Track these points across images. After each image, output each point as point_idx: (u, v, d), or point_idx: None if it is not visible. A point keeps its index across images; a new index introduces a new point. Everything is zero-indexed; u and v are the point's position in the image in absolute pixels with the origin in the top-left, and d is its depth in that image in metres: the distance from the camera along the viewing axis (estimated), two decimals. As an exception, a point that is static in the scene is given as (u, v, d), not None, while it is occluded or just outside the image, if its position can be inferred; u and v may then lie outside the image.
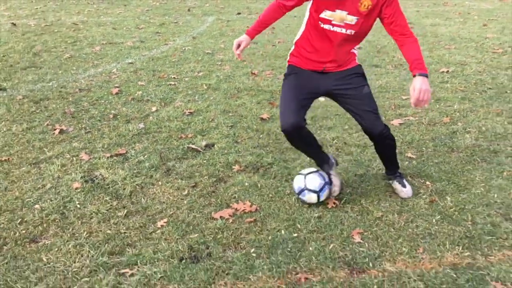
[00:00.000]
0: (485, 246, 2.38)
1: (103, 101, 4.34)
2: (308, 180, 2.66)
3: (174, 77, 5.08)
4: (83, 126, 3.78)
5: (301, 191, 2.67)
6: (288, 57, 2.73)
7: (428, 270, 2.20)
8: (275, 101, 4.40)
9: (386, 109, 4.24)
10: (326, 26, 2.46)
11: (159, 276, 2.14)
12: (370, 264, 2.24)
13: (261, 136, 3.66)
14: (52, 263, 2.21)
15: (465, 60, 5.89)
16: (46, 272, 2.15)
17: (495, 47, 6.54)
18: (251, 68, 5.44)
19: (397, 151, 2.87)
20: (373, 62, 5.82)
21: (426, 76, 2.35)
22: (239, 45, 2.63)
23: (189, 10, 9.63)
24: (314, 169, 2.76)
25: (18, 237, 2.40)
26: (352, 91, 2.59)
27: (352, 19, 2.42)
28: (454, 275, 2.17)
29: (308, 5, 2.55)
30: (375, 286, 2.10)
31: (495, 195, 2.84)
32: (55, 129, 3.69)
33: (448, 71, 5.39)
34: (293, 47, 2.71)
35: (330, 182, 2.70)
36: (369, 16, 2.43)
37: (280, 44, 6.67)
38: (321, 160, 2.80)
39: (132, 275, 2.14)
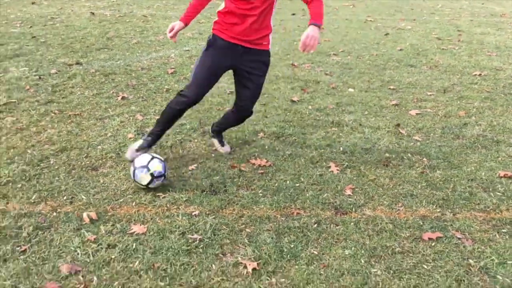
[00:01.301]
0: (457, 207, 2.79)
1: (159, 78, 5.08)
2: (152, 164, 2.78)
3: (222, 64, 5.74)
4: (141, 95, 4.52)
5: (135, 169, 2.78)
6: (212, 25, 2.93)
7: (401, 218, 2.66)
8: (308, 88, 4.93)
9: (407, 101, 4.63)
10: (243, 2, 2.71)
11: (184, 200, 2.76)
12: (353, 209, 2.74)
13: (288, 114, 4.20)
14: (106, 184, 2.90)
15: (502, 66, 6.09)
16: (101, 189, 2.84)
17: (538, 56, 6.64)
18: (293, 60, 5.99)
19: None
20: (410, 62, 6.17)
21: (319, 26, 2.60)
22: (172, 29, 2.87)
23: (247, 9, 10.33)
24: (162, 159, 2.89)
25: (83, 165, 3.12)
26: (253, 76, 2.94)
27: None
28: (421, 223, 2.62)
29: None
30: (352, 223, 2.59)
31: (483, 173, 3.21)
32: (118, 96, 4.45)
33: (480, 74, 5.65)
34: (217, 18, 2.90)
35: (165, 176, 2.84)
36: None
37: (325, 43, 7.16)
38: (156, 135, 3.17)
39: (164, 197, 2.78)
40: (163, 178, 2.82)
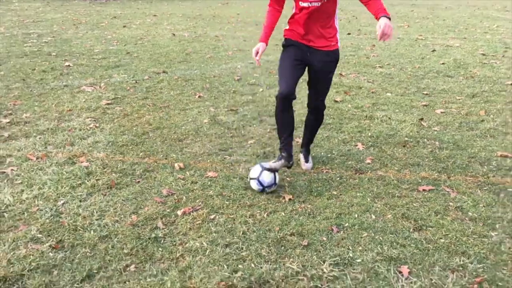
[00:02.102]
0: (452, 173, 3.59)
1: (228, 83, 6.25)
2: (263, 175, 3.20)
3: (280, 73, 6.81)
4: (213, 95, 5.68)
5: (252, 179, 3.23)
6: (283, 33, 3.27)
7: (405, 178, 3.52)
8: (350, 92, 5.85)
9: (436, 103, 5.41)
10: (305, 4, 3.03)
11: (244, 160, 3.80)
12: (369, 171, 3.63)
13: (329, 109, 5.14)
14: (189, 149, 4.01)
15: (537, 77, 6.63)
16: (186, 152, 3.95)
17: None
18: (341, 71, 6.94)
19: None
20: (448, 73, 6.88)
21: (389, 18, 2.79)
22: (257, 52, 3.09)
23: (307, 30, 11.41)
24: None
25: (172, 138, 4.27)
26: (322, 73, 3.27)
27: None
28: (420, 181, 3.46)
29: None
30: (366, 179, 3.49)
31: (483, 154, 3.97)
32: (196, 95, 5.64)
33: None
34: (287, 26, 3.26)
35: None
36: None
37: (373, 57, 8.03)
38: (286, 145, 3.26)
39: (230, 158, 3.84)
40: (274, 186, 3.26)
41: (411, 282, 2.36)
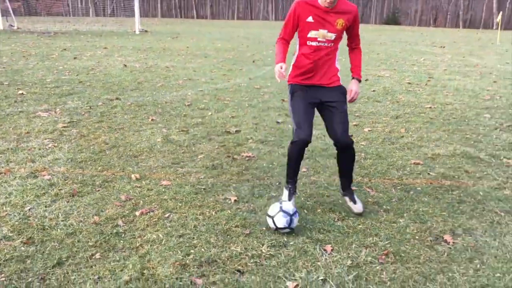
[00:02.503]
0: (373, 177, 4.24)
1: (179, 108, 6.72)
2: (277, 218, 3.13)
3: (228, 99, 7.40)
4: (165, 118, 6.13)
5: (268, 217, 3.19)
6: (287, 78, 3.37)
7: (333, 182, 4.11)
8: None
9: (365, 123, 6.15)
10: (313, 43, 3.23)
11: (195, 171, 4.25)
12: (304, 177, 4.19)
13: (272, 129, 5.74)
14: (144, 163, 4.42)
15: (452, 102, 7.62)
16: (141, 165, 4.36)
17: (486, 96, 8.17)
18: (284, 97, 7.62)
19: (356, 158, 3.53)
20: (377, 99, 7.74)
21: (360, 80, 3.37)
22: (281, 67, 3.10)
23: (253, 61, 12.19)
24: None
25: (128, 154, 4.66)
26: (336, 104, 3.28)
27: (331, 36, 3.22)
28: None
29: (296, 34, 3.31)
30: (301, 183, 4.04)
31: (400, 162, 4.66)
32: (149, 118, 6.07)
33: (431, 107, 7.17)
34: (290, 69, 3.38)
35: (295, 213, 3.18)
36: (342, 31, 3.24)
37: (313, 86, 8.81)
38: (295, 182, 3.54)
39: (182, 169, 4.28)
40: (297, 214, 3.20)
41: (333, 256, 2.89)
